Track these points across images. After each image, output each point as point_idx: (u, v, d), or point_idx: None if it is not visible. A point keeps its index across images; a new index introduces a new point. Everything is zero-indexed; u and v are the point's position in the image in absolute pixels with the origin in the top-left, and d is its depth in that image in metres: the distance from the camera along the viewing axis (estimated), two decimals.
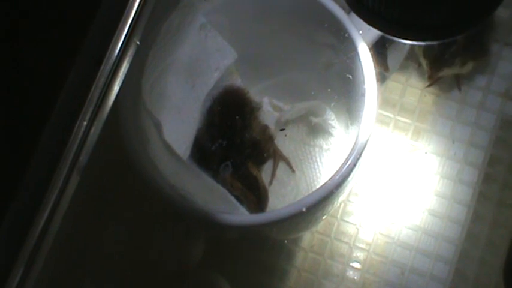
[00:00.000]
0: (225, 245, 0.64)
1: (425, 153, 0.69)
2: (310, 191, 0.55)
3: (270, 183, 0.64)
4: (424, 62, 0.69)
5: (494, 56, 0.72)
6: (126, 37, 0.42)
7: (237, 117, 0.61)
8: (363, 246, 0.67)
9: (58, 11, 0.40)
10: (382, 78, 0.68)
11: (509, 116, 0.70)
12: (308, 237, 0.67)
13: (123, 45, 0.42)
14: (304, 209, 0.50)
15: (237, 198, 0.56)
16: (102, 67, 0.41)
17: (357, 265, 0.67)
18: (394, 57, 0.67)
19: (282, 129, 0.66)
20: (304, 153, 0.66)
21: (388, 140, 0.70)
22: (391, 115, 0.71)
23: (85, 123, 0.40)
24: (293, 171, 0.65)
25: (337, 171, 0.52)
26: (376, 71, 0.54)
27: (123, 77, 0.43)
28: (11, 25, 0.40)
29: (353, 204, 0.68)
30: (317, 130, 0.66)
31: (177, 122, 0.58)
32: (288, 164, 0.65)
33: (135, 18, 0.42)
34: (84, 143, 0.41)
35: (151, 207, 0.55)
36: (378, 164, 0.69)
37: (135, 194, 0.55)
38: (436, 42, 0.52)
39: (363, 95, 0.54)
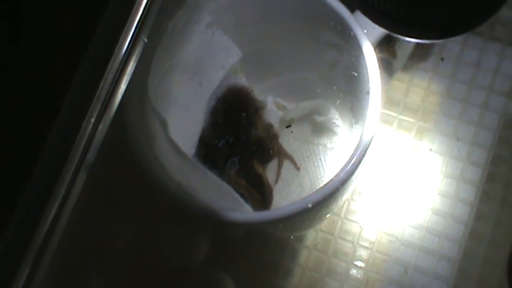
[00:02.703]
0: (230, 243, 0.64)
1: (430, 150, 0.70)
2: (314, 190, 0.55)
3: (276, 181, 0.64)
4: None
5: (497, 56, 0.73)
6: (134, 35, 0.42)
7: (241, 115, 0.62)
8: (366, 244, 0.68)
9: (66, 9, 0.41)
10: (388, 72, 0.68)
11: None
12: (312, 236, 0.68)
13: (131, 43, 0.42)
14: (309, 205, 0.51)
15: (242, 195, 0.57)
16: (109, 65, 0.41)
17: (360, 263, 0.67)
18: (398, 57, 0.67)
19: (288, 126, 0.66)
20: (308, 152, 0.66)
21: (392, 139, 0.71)
22: (395, 114, 0.71)
23: (93, 120, 0.41)
24: (298, 168, 0.65)
25: (341, 168, 0.52)
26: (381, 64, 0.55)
27: (130, 75, 0.43)
28: (19, 23, 0.40)
29: (357, 203, 0.69)
30: (321, 129, 0.66)
31: (183, 120, 0.58)
32: (293, 161, 0.65)
33: (142, 16, 0.42)
34: (92, 141, 0.41)
35: (157, 204, 0.55)
36: (382, 163, 0.70)
37: (141, 191, 0.55)
38: (441, 40, 0.53)
39: (368, 93, 0.54)
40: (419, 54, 0.72)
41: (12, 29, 0.40)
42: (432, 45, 0.72)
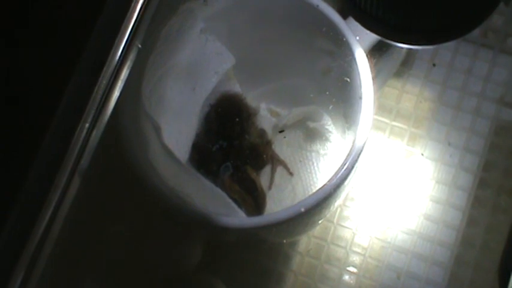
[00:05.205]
0: (223, 248, 0.64)
1: (422, 154, 0.70)
2: (307, 195, 0.56)
3: (269, 188, 0.64)
4: None
5: (489, 63, 0.73)
6: (128, 41, 0.42)
7: (235, 122, 0.62)
8: (359, 250, 0.68)
9: (60, 14, 0.41)
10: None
11: (504, 122, 0.71)
12: (305, 242, 0.68)
13: (125, 49, 0.42)
14: (302, 210, 0.51)
15: (235, 201, 0.57)
16: (104, 70, 0.41)
17: (353, 269, 0.67)
18: (390, 63, 0.68)
19: (281, 131, 0.66)
20: (301, 158, 0.66)
21: (384, 145, 0.71)
22: (387, 121, 0.72)
23: (87, 125, 0.41)
24: (291, 174, 0.65)
25: (334, 174, 0.53)
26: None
27: (124, 80, 0.43)
28: (13, 28, 0.40)
29: (349, 209, 0.69)
30: (314, 135, 0.66)
31: (176, 125, 0.58)
32: (286, 167, 0.65)
33: (136, 22, 0.42)
34: (86, 146, 0.41)
35: (151, 209, 0.56)
36: (374, 169, 0.70)
37: (134, 196, 0.56)
38: (433, 46, 0.53)
39: (360, 98, 0.54)
40: (411, 61, 0.73)
41: (9, 34, 0.40)
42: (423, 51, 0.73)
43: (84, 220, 0.50)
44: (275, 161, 0.65)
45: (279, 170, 0.66)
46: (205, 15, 0.58)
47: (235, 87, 0.63)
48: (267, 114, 0.66)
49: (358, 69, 0.55)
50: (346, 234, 0.68)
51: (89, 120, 0.41)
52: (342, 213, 0.69)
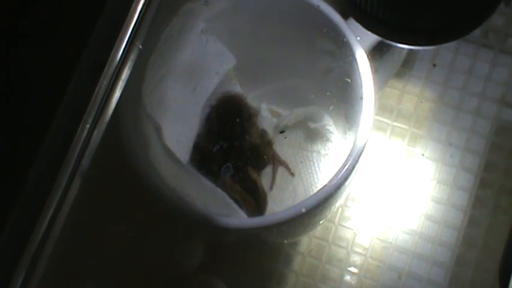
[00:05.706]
0: (224, 249, 0.64)
1: (422, 155, 0.70)
2: (308, 196, 0.56)
3: (271, 188, 0.64)
4: None
5: (489, 63, 0.73)
6: (129, 42, 0.42)
7: (236, 122, 0.62)
8: (360, 250, 0.68)
9: (60, 14, 0.41)
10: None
11: (505, 122, 0.71)
12: (306, 242, 0.68)
13: (126, 49, 0.42)
14: (303, 210, 0.51)
15: (236, 202, 0.57)
16: (104, 71, 0.41)
17: (354, 270, 0.67)
18: (391, 64, 0.68)
19: (282, 132, 0.66)
20: (302, 158, 0.66)
21: (385, 146, 0.71)
22: (388, 121, 0.72)
23: (88, 125, 0.41)
24: (292, 174, 0.65)
25: (335, 174, 0.53)
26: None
27: (125, 81, 0.43)
28: (13, 29, 0.40)
29: (350, 209, 0.69)
30: (315, 136, 0.66)
31: (177, 126, 0.58)
32: (287, 167, 0.65)
33: (137, 23, 0.42)
34: (87, 147, 0.42)
35: (152, 210, 0.56)
36: (375, 169, 0.70)
37: (135, 197, 0.56)
38: (433, 47, 0.53)
39: (361, 98, 0.54)
40: (412, 61, 0.73)
41: (9, 34, 0.40)
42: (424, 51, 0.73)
43: (85, 220, 0.50)
44: (276, 161, 0.65)
45: (280, 170, 0.66)
46: (206, 16, 0.58)
47: (236, 88, 0.63)
48: (267, 115, 0.66)
49: (358, 70, 0.55)
50: (347, 234, 0.68)
51: (90, 120, 0.41)
52: (343, 213, 0.69)
